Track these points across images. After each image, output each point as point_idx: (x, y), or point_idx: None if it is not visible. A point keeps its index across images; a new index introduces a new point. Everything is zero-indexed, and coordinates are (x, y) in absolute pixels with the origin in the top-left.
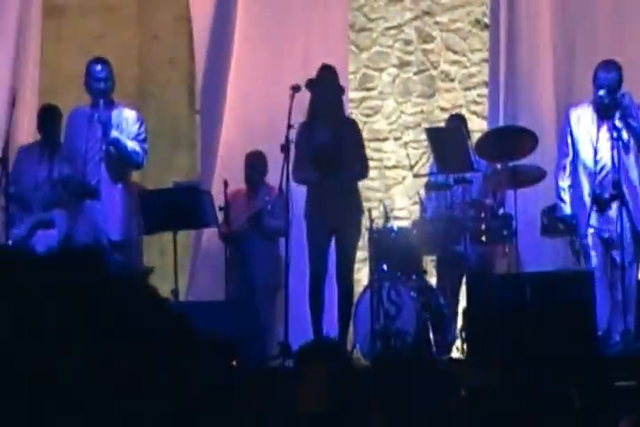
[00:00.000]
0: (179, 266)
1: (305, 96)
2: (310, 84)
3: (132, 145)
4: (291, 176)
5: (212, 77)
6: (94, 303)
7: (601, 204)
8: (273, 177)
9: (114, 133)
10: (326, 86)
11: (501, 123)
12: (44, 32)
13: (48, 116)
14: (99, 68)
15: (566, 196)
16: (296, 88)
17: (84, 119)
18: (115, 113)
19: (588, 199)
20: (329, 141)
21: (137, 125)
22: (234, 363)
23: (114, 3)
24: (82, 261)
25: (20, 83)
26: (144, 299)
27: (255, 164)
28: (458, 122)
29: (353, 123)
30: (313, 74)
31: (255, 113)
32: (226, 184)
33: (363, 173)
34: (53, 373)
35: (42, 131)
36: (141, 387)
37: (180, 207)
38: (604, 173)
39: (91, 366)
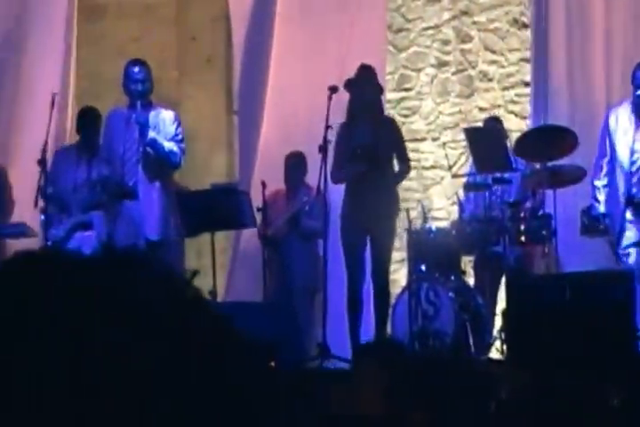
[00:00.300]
0: (216, 267)
1: (343, 97)
2: (349, 85)
3: (169, 145)
4: (329, 177)
5: (249, 78)
6: (139, 305)
7: (636, 204)
8: (310, 178)
9: (151, 134)
10: (365, 86)
11: (543, 122)
12: (82, 34)
13: (87, 118)
14: (136, 69)
15: (601, 195)
16: (334, 89)
17: (122, 120)
18: (152, 114)
19: (622, 199)
20: (368, 142)
21: (174, 126)
22: (272, 364)
23: (151, 4)
24: (127, 263)
25: (58, 85)
26: (189, 301)
27: (295, 164)
28: (494, 123)
29: (392, 121)
30: (351, 75)
31: (293, 114)
32: (264, 185)
33: (406, 170)
34: (103, 376)
35: (80, 133)
36: (186, 388)
37: (218, 208)
38: None
39: (136, 368)
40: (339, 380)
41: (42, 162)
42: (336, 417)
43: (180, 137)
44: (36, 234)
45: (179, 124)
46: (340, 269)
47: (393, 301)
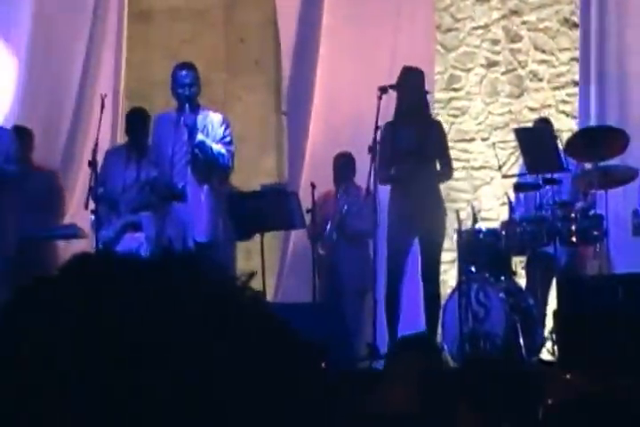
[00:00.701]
0: (265, 268)
1: (393, 97)
2: (393, 87)
3: (217, 148)
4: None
5: (298, 80)
6: (200, 308)
7: None
8: (360, 178)
9: (199, 137)
10: (408, 88)
11: (592, 122)
12: (132, 37)
13: (136, 119)
14: (184, 73)
15: None
16: (383, 89)
17: (171, 123)
18: (200, 116)
19: None
20: (412, 143)
21: (222, 128)
22: (323, 365)
23: (201, 7)
24: (185, 265)
25: (108, 87)
26: (248, 304)
27: (344, 165)
28: (545, 125)
29: (438, 124)
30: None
31: (342, 115)
32: (313, 186)
33: (447, 173)
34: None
35: (129, 133)
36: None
37: (267, 210)
38: None
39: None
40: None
41: (92, 163)
42: (372, 416)
43: (228, 139)
44: (86, 235)
45: (227, 127)
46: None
47: (443, 302)
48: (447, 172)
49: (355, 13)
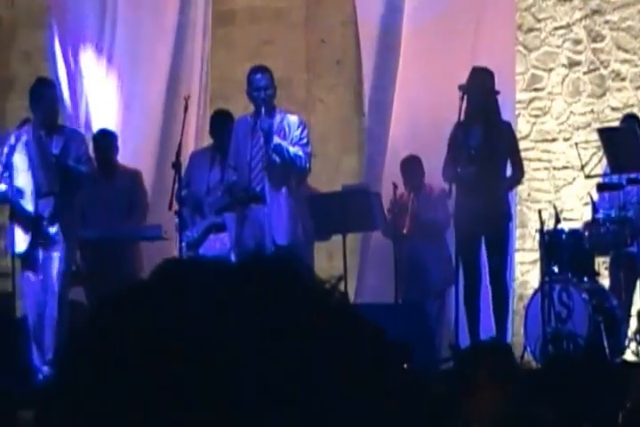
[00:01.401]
0: (347, 269)
1: None
2: (462, 88)
3: (294, 150)
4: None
5: (379, 80)
6: (291, 311)
7: None
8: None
9: (276, 140)
10: (477, 89)
11: None
12: (214, 38)
13: (220, 121)
14: (258, 76)
15: None
16: (465, 89)
17: (248, 127)
18: (277, 119)
19: None
20: (480, 144)
21: (299, 130)
22: (405, 366)
23: (282, 8)
24: (275, 269)
25: (192, 89)
26: (337, 306)
27: (412, 168)
28: (632, 122)
29: (508, 126)
30: None
31: (423, 114)
32: (395, 186)
33: (518, 176)
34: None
35: (214, 135)
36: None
37: (349, 210)
38: None
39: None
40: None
41: (176, 165)
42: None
43: (304, 141)
44: (170, 236)
45: (304, 128)
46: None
47: (525, 302)
48: (518, 174)
49: (436, 12)
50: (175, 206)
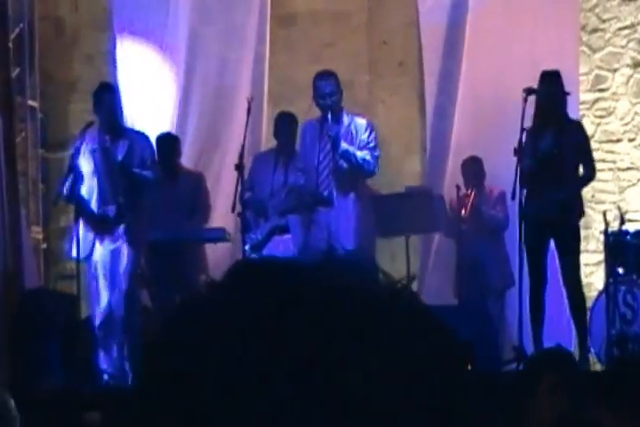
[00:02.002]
0: (410, 271)
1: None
2: (532, 92)
3: (362, 155)
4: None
5: (441, 81)
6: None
7: None
8: (502, 180)
9: (343, 146)
10: (547, 94)
11: None
12: (275, 41)
13: (284, 123)
14: (323, 83)
15: None
16: (529, 91)
17: (315, 132)
18: (344, 122)
19: None
20: (550, 149)
21: (367, 133)
22: (469, 367)
23: (344, 10)
24: (352, 270)
25: (254, 91)
26: (409, 306)
27: (473, 170)
28: None
29: (579, 126)
30: None
31: (485, 116)
32: (458, 188)
33: (590, 176)
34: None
35: (278, 138)
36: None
37: (412, 212)
38: None
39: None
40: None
41: (239, 167)
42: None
43: (372, 144)
44: (232, 238)
45: (372, 131)
46: None
47: (589, 304)
48: (590, 174)
49: (498, 14)
50: (238, 208)
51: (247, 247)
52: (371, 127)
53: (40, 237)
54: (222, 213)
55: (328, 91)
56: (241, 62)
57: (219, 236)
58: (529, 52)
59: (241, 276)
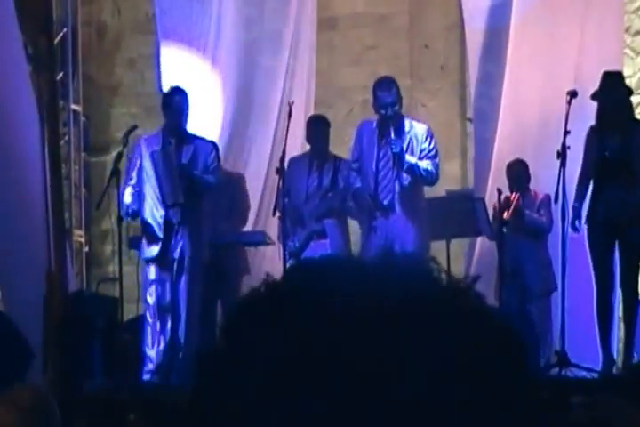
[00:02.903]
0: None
1: (581, 102)
2: (595, 96)
3: (424, 166)
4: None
5: (484, 85)
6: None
7: None
8: (546, 184)
9: (407, 159)
10: (610, 93)
11: None
12: (317, 44)
13: (316, 127)
14: (385, 94)
15: None
16: (573, 94)
17: (373, 136)
18: (406, 128)
19: None
20: (617, 148)
21: (428, 141)
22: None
23: (385, 13)
24: (414, 269)
25: (295, 94)
26: (474, 304)
27: (519, 172)
28: None
29: None
30: (588, 79)
31: (528, 119)
32: (500, 192)
33: None
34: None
35: (310, 141)
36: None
37: (453, 215)
38: None
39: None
40: (580, 390)
41: (280, 171)
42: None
43: (433, 153)
44: (273, 242)
45: (432, 139)
46: (582, 271)
47: None
48: None
49: (542, 16)
50: (278, 213)
51: (287, 253)
52: (430, 134)
53: (82, 240)
54: (266, 217)
55: (390, 101)
56: (279, 68)
57: (259, 239)
58: (573, 55)
59: (301, 276)
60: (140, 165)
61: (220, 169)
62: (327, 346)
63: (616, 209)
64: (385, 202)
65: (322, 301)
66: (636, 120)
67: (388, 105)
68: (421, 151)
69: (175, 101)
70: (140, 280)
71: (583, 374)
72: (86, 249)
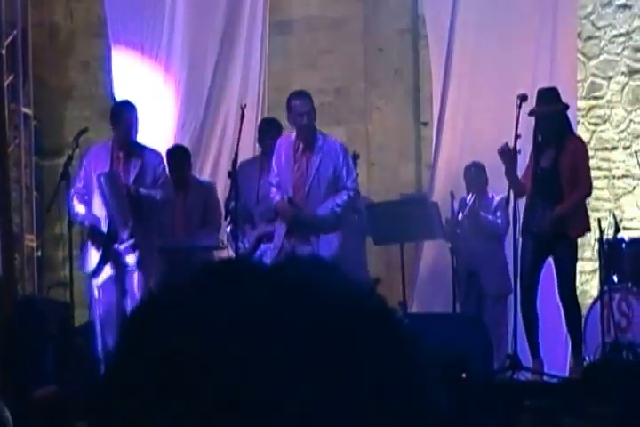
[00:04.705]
0: (406, 279)
1: (534, 105)
2: (526, 98)
3: (337, 208)
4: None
5: (437, 88)
6: (327, 314)
7: None
8: (502, 186)
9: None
10: (546, 113)
11: None
12: (271, 47)
13: (268, 130)
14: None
15: None
16: (523, 97)
17: (291, 151)
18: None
19: None
20: (550, 165)
21: (341, 157)
22: (463, 376)
23: (339, 18)
24: (310, 273)
25: (248, 98)
26: (373, 309)
27: (475, 175)
28: None
29: (579, 142)
30: (541, 83)
31: (480, 123)
32: (452, 196)
33: (586, 192)
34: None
35: (262, 144)
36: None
37: (407, 219)
38: None
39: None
40: (531, 393)
41: (232, 174)
42: None
43: (352, 177)
44: (225, 246)
45: (345, 155)
46: None
47: (584, 312)
48: (586, 192)
49: (496, 22)
50: (229, 215)
51: (235, 256)
52: (344, 151)
53: (34, 244)
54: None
55: (305, 110)
56: (233, 70)
57: (212, 243)
58: (527, 59)
59: (202, 279)
60: (87, 174)
61: (169, 181)
62: (224, 350)
63: (545, 225)
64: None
65: (218, 303)
66: (572, 135)
67: (304, 113)
68: (337, 169)
69: (124, 116)
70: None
71: (534, 377)
72: (38, 253)
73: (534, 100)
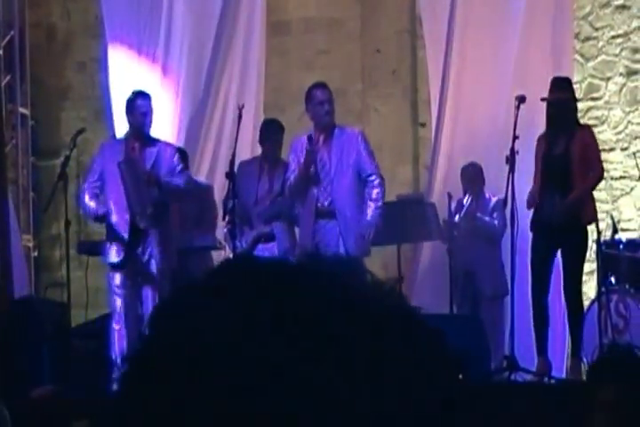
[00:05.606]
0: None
1: (530, 107)
2: (524, 99)
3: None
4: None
5: (435, 90)
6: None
7: None
8: (499, 187)
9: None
10: (556, 99)
11: None
12: (268, 48)
13: (269, 131)
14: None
15: None
16: (521, 99)
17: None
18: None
19: None
20: (561, 153)
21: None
22: (460, 377)
23: (337, 18)
24: (336, 269)
25: (245, 98)
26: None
27: (473, 175)
28: None
29: (588, 129)
30: (538, 84)
31: (479, 124)
32: (450, 196)
33: (599, 175)
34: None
35: (263, 145)
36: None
37: (404, 220)
38: None
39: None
40: (528, 394)
41: (230, 175)
42: None
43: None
44: (223, 246)
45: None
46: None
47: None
48: (597, 177)
49: (492, 22)
50: (228, 216)
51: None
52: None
53: (31, 244)
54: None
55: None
56: (231, 71)
57: (209, 244)
58: (524, 60)
59: (224, 277)
60: (102, 168)
61: (189, 172)
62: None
63: (556, 215)
64: (326, 203)
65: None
66: (580, 124)
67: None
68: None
69: (138, 105)
70: (88, 286)
71: (531, 378)
72: (35, 254)
73: (533, 100)
